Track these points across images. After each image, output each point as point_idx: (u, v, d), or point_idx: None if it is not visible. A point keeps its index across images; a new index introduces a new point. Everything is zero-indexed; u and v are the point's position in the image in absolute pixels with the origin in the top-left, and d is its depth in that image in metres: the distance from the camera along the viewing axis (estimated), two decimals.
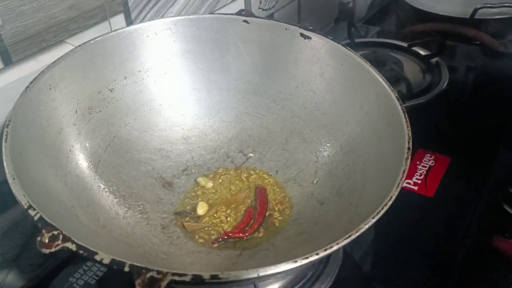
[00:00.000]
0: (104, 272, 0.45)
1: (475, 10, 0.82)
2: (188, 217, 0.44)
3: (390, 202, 0.33)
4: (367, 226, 0.31)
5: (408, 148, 0.37)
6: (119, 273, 0.28)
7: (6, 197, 0.45)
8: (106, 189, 0.43)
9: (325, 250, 0.29)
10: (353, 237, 0.30)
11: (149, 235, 0.41)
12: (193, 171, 0.49)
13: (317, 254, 0.29)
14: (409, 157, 0.36)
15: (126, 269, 0.27)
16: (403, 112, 0.40)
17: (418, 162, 0.58)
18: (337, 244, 0.30)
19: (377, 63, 0.71)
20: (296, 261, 0.29)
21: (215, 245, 0.42)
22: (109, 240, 0.38)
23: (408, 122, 0.39)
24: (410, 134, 0.38)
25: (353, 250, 0.49)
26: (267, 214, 0.44)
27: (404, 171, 0.35)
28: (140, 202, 0.44)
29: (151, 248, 0.39)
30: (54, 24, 0.45)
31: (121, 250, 0.38)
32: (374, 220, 0.31)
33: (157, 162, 0.48)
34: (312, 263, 0.30)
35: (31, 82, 0.40)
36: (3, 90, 0.43)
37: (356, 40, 0.80)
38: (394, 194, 0.33)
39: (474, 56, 0.83)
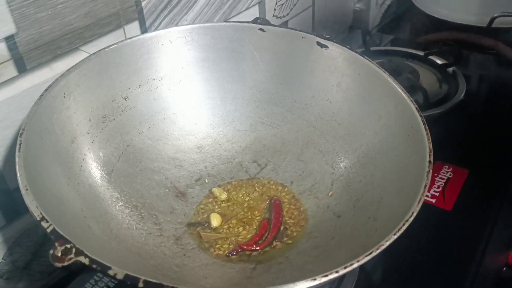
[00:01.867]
0: (116, 283, 0.44)
1: (493, 19, 0.80)
2: (200, 228, 0.43)
3: (412, 218, 0.32)
4: (388, 243, 0.30)
5: (429, 161, 0.36)
6: (132, 285, 0.27)
7: (17, 205, 0.45)
8: (119, 199, 0.42)
9: (345, 267, 0.28)
10: (374, 254, 0.29)
11: (161, 246, 0.40)
12: (206, 181, 0.48)
13: (337, 272, 0.28)
14: (431, 170, 0.35)
15: (140, 285, 0.27)
16: (424, 124, 0.39)
17: (435, 174, 0.57)
18: (358, 261, 0.29)
19: (393, 72, 0.70)
20: (315, 279, 0.28)
21: (229, 257, 0.41)
22: (121, 252, 0.37)
23: (429, 134, 0.38)
24: (431, 146, 0.37)
25: (368, 264, 0.48)
26: (282, 226, 0.43)
27: (425, 185, 0.34)
28: (153, 212, 0.43)
29: (163, 260, 0.39)
30: (69, 31, 0.45)
31: (133, 262, 0.37)
32: (395, 237, 0.30)
33: (170, 172, 0.47)
34: (331, 281, 0.29)
35: (46, 90, 0.39)
36: (17, 97, 0.42)
37: (371, 49, 0.79)
38: (416, 209, 0.32)
39: (492, 65, 0.82)
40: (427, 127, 0.39)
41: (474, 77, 0.78)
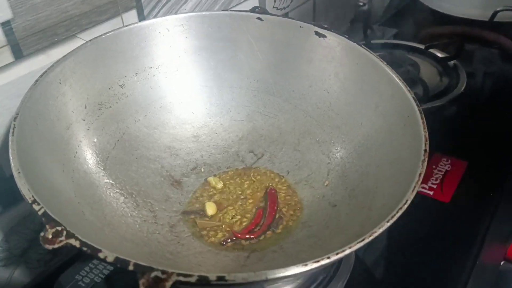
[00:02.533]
0: (110, 270, 0.44)
1: (495, 13, 0.79)
2: (195, 216, 0.43)
3: (406, 206, 0.31)
4: (381, 230, 0.30)
5: (425, 150, 0.36)
6: (126, 272, 0.27)
7: (14, 192, 0.44)
8: (113, 186, 0.42)
9: (337, 254, 0.28)
10: (366, 241, 0.29)
11: (156, 233, 0.40)
12: (202, 170, 0.48)
13: (329, 258, 0.28)
14: (426, 159, 0.35)
15: (131, 267, 0.27)
16: (420, 113, 0.39)
17: (434, 166, 0.56)
18: (350, 248, 0.29)
19: (393, 65, 0.69)
20: (306, 265, 0.28)
21: (224, 245, 0.41)
22: (114, 238, 0.37)
23: (425, 123, 0.38)
24: (427, 135, 0.37)
25: (365, 255, 0.48)
26: (277, 216, 0.43)
27: (420, 174, 0.34)
28: (148, 200, 0.43)
29: (157, 248, 0.39)
30: (66, 18, 0.45)
31: (127, 249, 0.37)
32: (388, 224, 0.30)
33: (166, 160, 0.47)
34: (323, 267, 0.29)
35: (41, 76, 0.39)
36: (13, 83, 0.42)
37: (372, 41, 0.78)
38: (410, 197, 0.32)
39: (493, 59, 0.81)
40: (423, 116, 0.38)
41: (475, 70, 0.77)
